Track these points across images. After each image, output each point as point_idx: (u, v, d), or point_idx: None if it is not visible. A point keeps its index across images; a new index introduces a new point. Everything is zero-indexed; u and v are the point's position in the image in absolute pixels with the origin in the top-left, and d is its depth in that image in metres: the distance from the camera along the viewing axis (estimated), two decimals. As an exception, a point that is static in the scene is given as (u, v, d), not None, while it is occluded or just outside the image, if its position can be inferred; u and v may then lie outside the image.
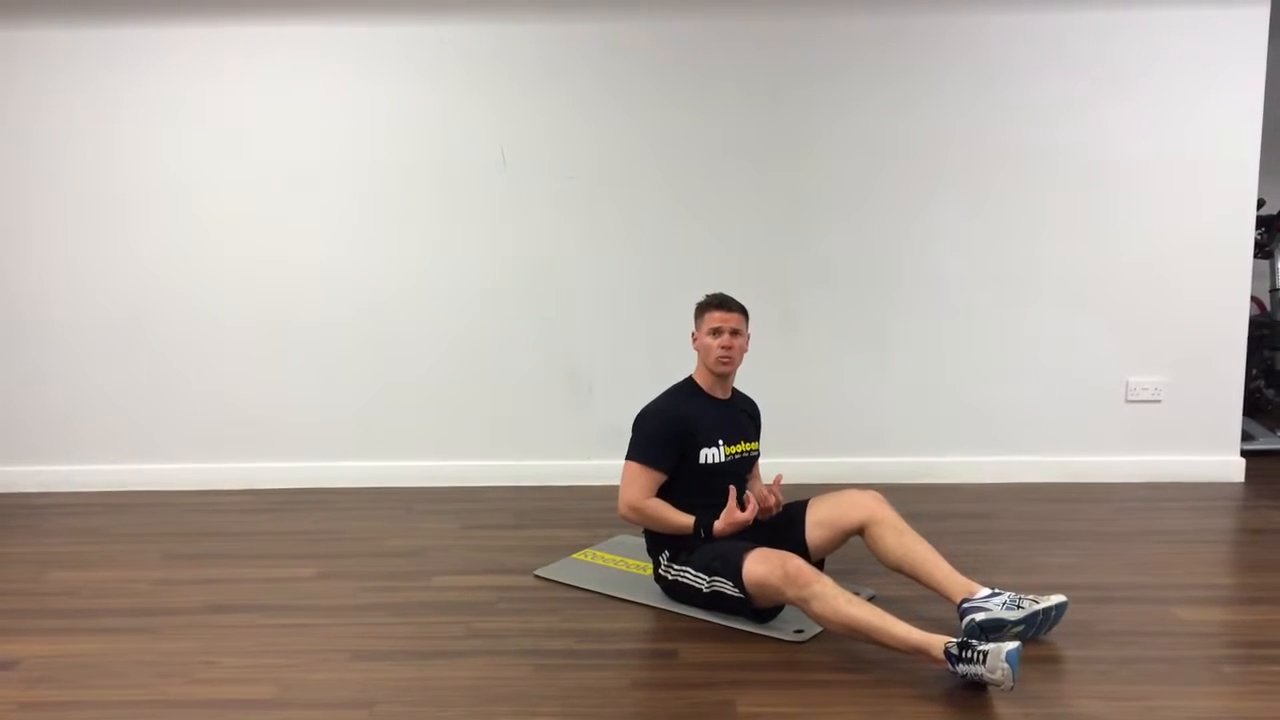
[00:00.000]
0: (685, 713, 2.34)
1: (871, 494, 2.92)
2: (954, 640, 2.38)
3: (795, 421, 4.19)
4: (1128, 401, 4.21)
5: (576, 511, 3.86)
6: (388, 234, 4.18)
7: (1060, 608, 2.63)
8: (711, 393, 3.03)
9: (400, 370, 4.25)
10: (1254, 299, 4.69)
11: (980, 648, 2.33)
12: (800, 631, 2.72)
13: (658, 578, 3.00)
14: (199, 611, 2.97)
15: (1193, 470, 4.21)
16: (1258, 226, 4.22)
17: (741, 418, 3.10)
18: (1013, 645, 2.31)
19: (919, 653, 2.43)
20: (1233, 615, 2.92)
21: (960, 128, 4.08)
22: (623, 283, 4.19)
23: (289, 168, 4.13)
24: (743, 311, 3.01)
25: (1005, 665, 2.28)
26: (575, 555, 3.38)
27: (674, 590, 2.94)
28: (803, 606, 2.59)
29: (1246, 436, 4.43)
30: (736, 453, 3.01)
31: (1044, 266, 4.15)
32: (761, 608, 2.75)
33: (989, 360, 4.21)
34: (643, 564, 3.16)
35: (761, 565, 2.67)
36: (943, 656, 2.38)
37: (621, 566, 3.25)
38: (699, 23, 4.04)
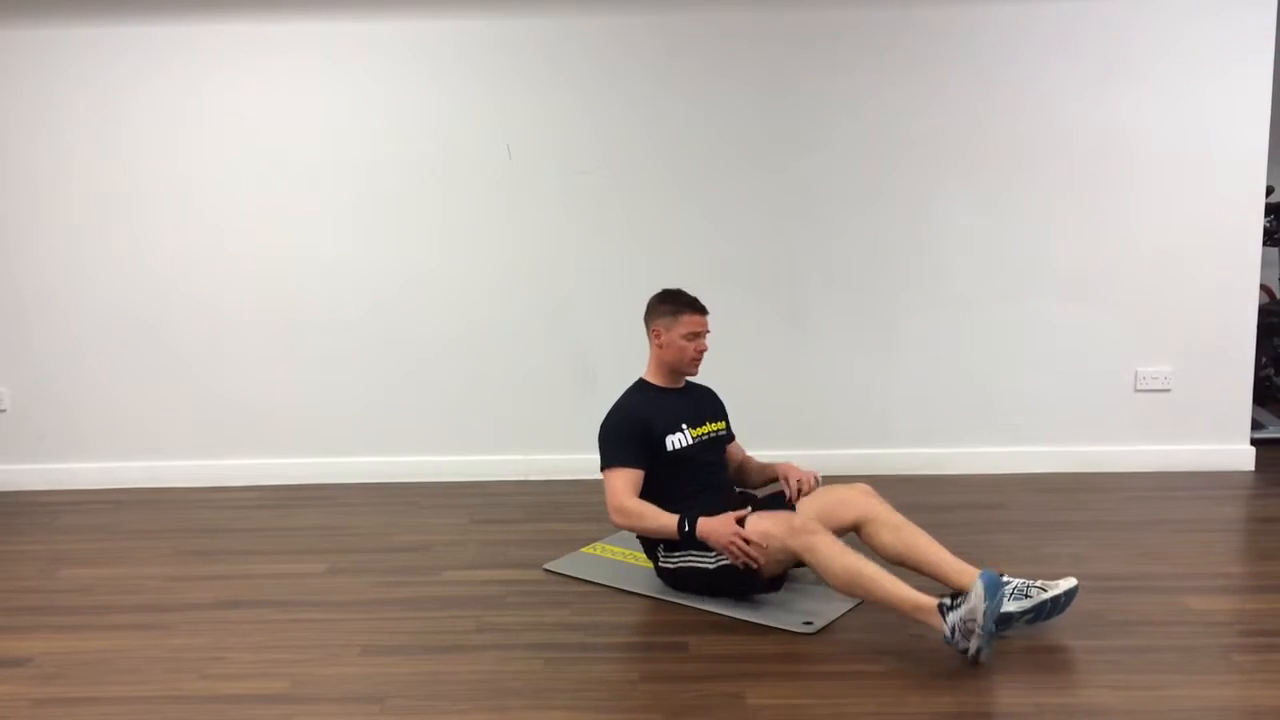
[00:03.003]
0: (695, 705, 2.34)
1: (860, 489, 2.88)
2: (946, 596, 2.47)
3: (804, 415, 4.20)
4: (1137, 391, 4.19)
5: (584, 505, 3.86)
6: (392, 230, 4.17)
7: (1070, 593, 2.61)
8: (666, 386, 3.09)
9: (406, 366, 4.25)
10: (1263, 287, 4.67)
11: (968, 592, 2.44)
12: (809, 624, 2.72)
13: (659, 571, 3.00)
14: (210, 607, 2.98)
15: (1203, 459, 4.19)
16: (1267, 214, 4.20)
17: (701, 401, 3.15)
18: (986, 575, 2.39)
19: (917, 610, 2.49)
20: (1244, 604, 2.91)
21: (968, 118, 4.06)
22: (628, 277, 4.17)
23: (294, 165, 4.13)
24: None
25: (979, 584, 2.36)
26: (584, 549, 3.38)
27: (678, 579, 2.94)
28: (806, 555, 2.62)
29: (1257, 425, 4.41)
30: (704, 434, 3.05)
31: (1052, 256, 4.13)
32: (770, 575, 2.77)
33: (998, 351, 4.19)
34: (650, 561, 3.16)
35: (765, 520, 2.72)
36: (938, 614, 2.45)
37: (631, 560, 3.25)
38: (703, 16, 4.02)
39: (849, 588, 2.58)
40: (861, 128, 4.08)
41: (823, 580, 2.66)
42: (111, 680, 2.54)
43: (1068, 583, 2.61)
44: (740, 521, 2.74)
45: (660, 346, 3.05)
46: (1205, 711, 2.28)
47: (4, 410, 4.28)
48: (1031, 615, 2.57)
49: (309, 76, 4.09)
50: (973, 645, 2.42)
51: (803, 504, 2.92)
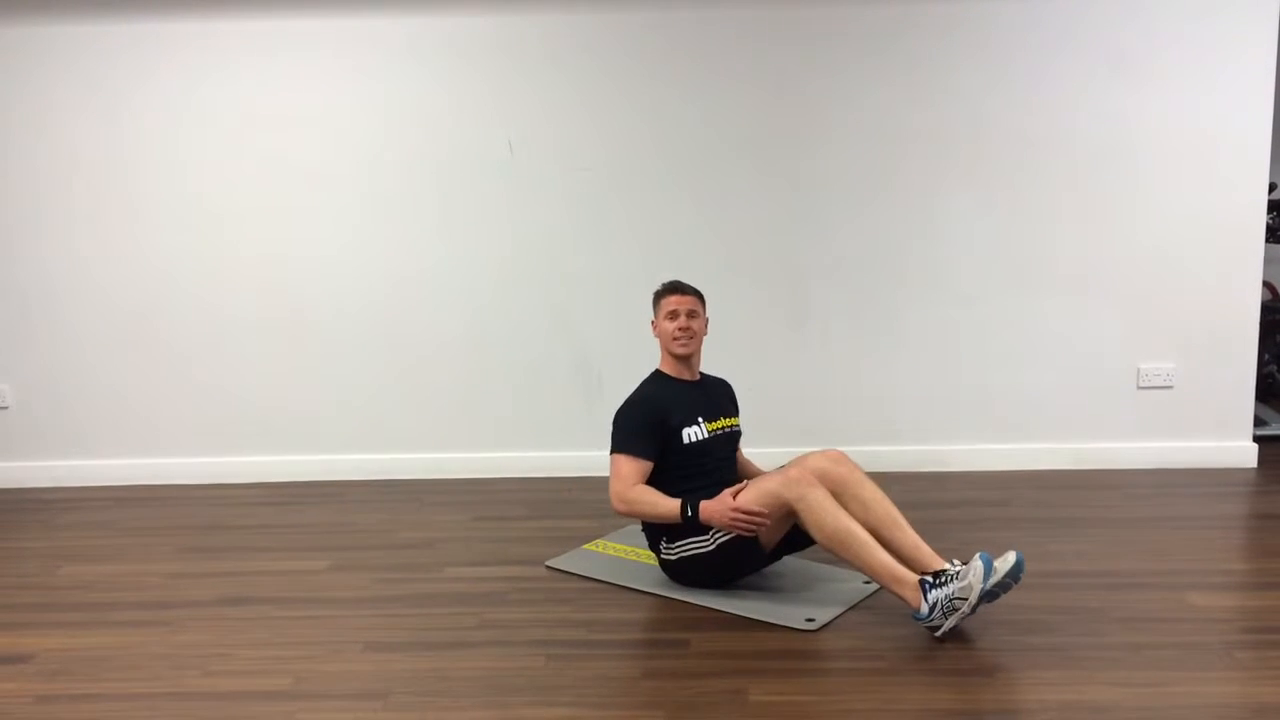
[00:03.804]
0: (698, 702, 2.34)
1: (832, 456, 2.88)
2: (929, 573, 2.59)
3: (806, 412, 4.20)
4: (1139, 388, 4.19)
5: (587, 502, 3.86)
6: (394, 227, 4.18)
7: (1015, 570, 2.56)
8: (680, 377, 3.12)
9: (409, 363, 4.25)
10: (1266, 284, 4.67)
11: (953, 571, 2.54)
12: (811, 620, 2.72)
13: (662, 564, 3.01)
14: (213, 604, 2.99)
15: (1205, 456, 4.19)
16: (1269, 211, 4.20)
17: (717, 396, 3.18)
18: (985, 556, 2.51)
19: (894, 580, 2.60)
20: (1245, 601, 2.91)
21: (971, 115, 4.05)
22: (629, 274, 4.18)
23: (295, 162, 4.13)
24: (698, 294, 3.12)
25: (979, 565, 2.47)
26: (586, 546, 3.38)
27: (681, 570, 2.95)
28: (798, 504, 2.68)
29: (1259, 422, 4.41)
30: (719, 428, 3.08)
31: (1055, 254, 4.13)
32: (768, 543, 2.82)
33: (1001, 348, 4.19)
34: (653, 554, 3.16)
35: (762, 481, 2.78)
36: (917, 589, 2.55)
37: (633, 557, 3.25)
38: (705, 13, 4.02)
39: (838, 547, 2.67)
40: (864, 125, 4.08)
41: (808, 531, 2.72)
42: (114, 677, 2.54)
43: (1005, 563, 2.56)
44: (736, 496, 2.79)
45: (657, 335, 3.14)
46: (1207, 708, 2.28)
47: (6, 407, 4.29)
48: (987, 600, 2.56)
49: (309, 74, 4.09)
50: (948, 623, 2.53)
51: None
